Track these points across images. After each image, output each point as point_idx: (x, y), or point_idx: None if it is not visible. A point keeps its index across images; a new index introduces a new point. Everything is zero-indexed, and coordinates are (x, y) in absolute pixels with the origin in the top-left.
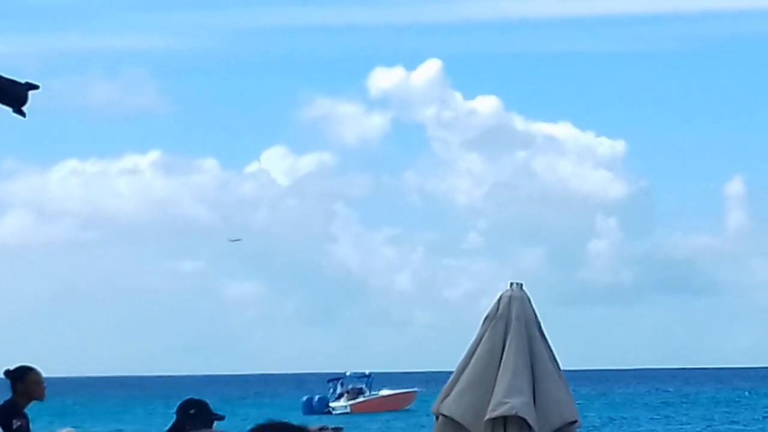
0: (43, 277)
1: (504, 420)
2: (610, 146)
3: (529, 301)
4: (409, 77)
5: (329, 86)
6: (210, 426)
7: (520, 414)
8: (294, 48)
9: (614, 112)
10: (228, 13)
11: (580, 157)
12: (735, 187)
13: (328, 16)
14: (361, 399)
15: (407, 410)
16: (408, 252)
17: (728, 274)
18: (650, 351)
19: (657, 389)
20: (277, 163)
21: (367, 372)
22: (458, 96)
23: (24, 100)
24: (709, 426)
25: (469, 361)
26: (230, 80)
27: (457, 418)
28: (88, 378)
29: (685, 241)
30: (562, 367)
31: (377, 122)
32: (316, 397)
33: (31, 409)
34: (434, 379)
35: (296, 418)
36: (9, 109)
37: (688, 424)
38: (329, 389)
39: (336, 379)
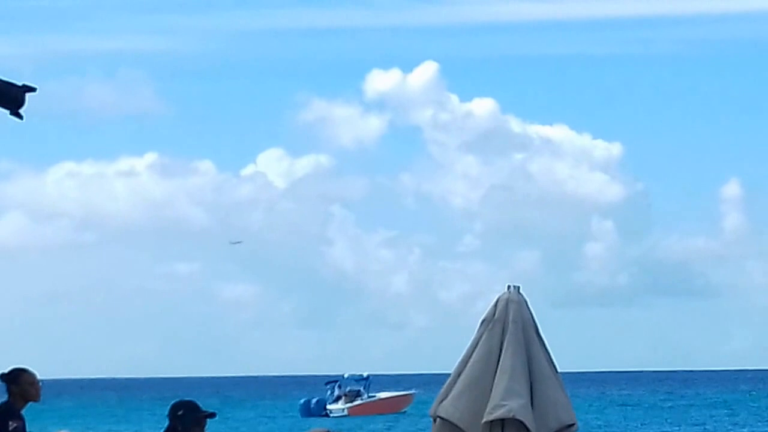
0: (40, 279)
1: (502, 423)
2: (607, 149)
3: (527, 304)
4: (406, 80)
5: (326, 89)
6: (201, 425)
7: (518, 417)
8: (290, 51)
9: (610, 115)
10: (224, 15)
11: (576, 160)
12: (731, 189)
13: (325, 20)
14: (358, 402)
15: (405, 413)
16: (404, 254)
17: (724, 277)
18: (647, 353)
19: (654, 391)
20: (273, 166)
21: (364, 374)
22: (454, 98)
23: (21, 103)
24: (706, 428)
25: (467, 364)
26: (227, 83)
27: (454, 420)
28: (85, 380)
29: (682, 244)
30: (559, 370)
31: (374, 125)
32: (314, 400)
33: (27, 411)
34: (432, 382)
35: (294, 421)
36: (6, 112)
37: (686, 425)
38: (327, 391)
39: (333, 381)
